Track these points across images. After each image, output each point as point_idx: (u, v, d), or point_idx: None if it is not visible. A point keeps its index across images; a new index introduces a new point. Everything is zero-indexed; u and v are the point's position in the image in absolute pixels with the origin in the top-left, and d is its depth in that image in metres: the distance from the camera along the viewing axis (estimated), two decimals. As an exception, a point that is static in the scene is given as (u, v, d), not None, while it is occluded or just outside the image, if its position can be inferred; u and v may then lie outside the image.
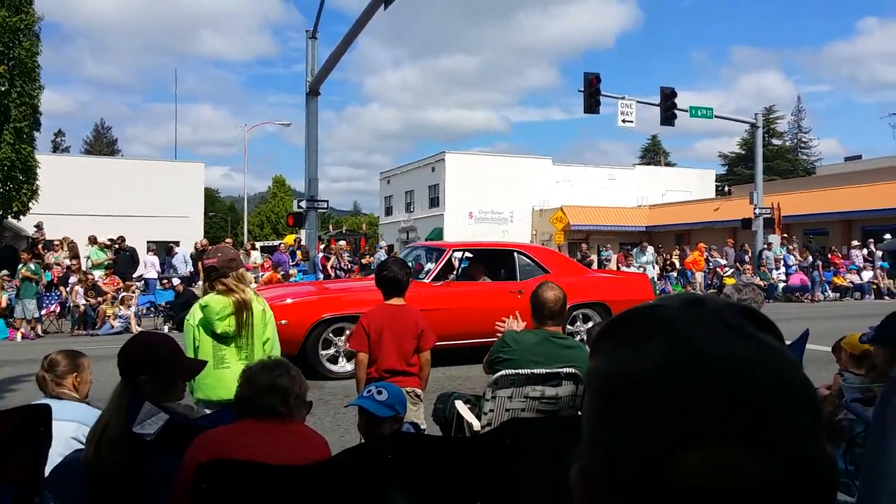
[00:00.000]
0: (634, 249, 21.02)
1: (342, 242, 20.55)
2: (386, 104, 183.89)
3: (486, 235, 33.86)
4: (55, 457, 2.95)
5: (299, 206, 17.57)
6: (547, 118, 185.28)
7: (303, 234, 19.24)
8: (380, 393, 2.96)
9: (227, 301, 3.59)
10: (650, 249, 21.14)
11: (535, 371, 3.66)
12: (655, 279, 19.02)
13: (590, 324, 9.88)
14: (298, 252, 18.67)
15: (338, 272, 17.39)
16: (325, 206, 18.67)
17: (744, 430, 0.45)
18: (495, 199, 38.14)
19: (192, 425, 2.88)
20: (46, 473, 2.86)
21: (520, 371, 3.67)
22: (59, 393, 3.31)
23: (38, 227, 17.39)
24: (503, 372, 3.66)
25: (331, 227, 40.24)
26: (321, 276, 16.38)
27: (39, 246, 16.49)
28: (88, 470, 2.70)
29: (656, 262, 21.08)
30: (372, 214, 65.69)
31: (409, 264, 5.78)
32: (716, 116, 22.33)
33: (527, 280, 9.29)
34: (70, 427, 3.05)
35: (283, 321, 7.39)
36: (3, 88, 16.35)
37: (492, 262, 10.12)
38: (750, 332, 0.50)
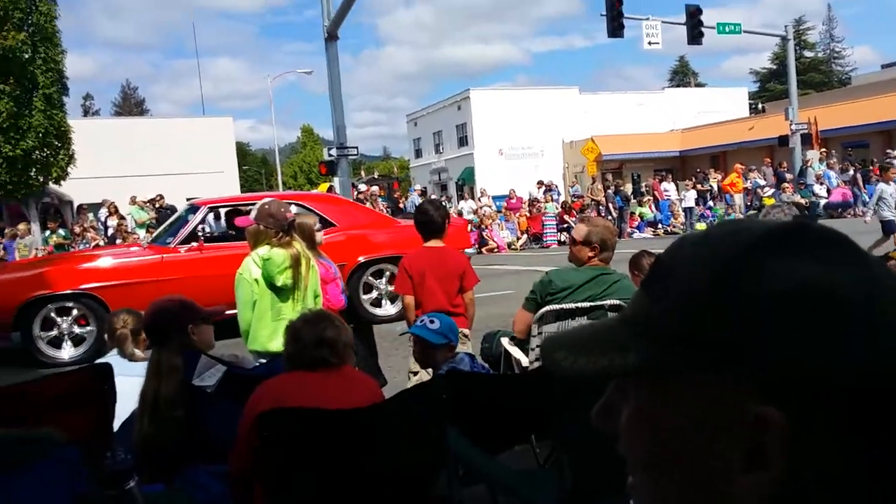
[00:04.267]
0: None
1: (375, 188, 20.57)
2: (402, 45, 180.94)
3: (518, 171, 33.57)
4: (126, 412, 3.07)
5: (330, 154, 17.59)
6: (568, 46, 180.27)
7: (336, 181, 19.29)
8: (432, 322, 3.17)
9: (287, 254, 3.70)
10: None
11: (580, 305, 3.67)
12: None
13: (385, 277, 8.47)
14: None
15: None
16: (356, 152, 18.65)
17: None
18: (524, 133, 37.56)
19: (250, 375, 2.97)
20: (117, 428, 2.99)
21: (563, 306, 3.68)
22: (131, 351, 3.44)
23: (49, 194, 17.85)
24: (547, 308, 3.67)
25: (362, 173, 40.25)
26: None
27: (52, 211, 17.00)
28: (143, 434, 2.76)
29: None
30: (402, 158, 65.41)
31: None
32: (744, 31, 21.55)
33: None
34: (140, 382, 3.17)
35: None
36: (27, 56, 16.48)
37: None
38: None
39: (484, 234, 19.07)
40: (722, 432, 0.49)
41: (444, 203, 4.66)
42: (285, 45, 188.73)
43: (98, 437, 2.96)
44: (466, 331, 4.22)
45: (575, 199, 21.80)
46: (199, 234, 8.12)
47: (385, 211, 18.23)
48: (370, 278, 8.54)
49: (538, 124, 37.32)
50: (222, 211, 9.26)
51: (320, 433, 2.38)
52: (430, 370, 4.29)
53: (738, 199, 20.47)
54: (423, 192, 24.50)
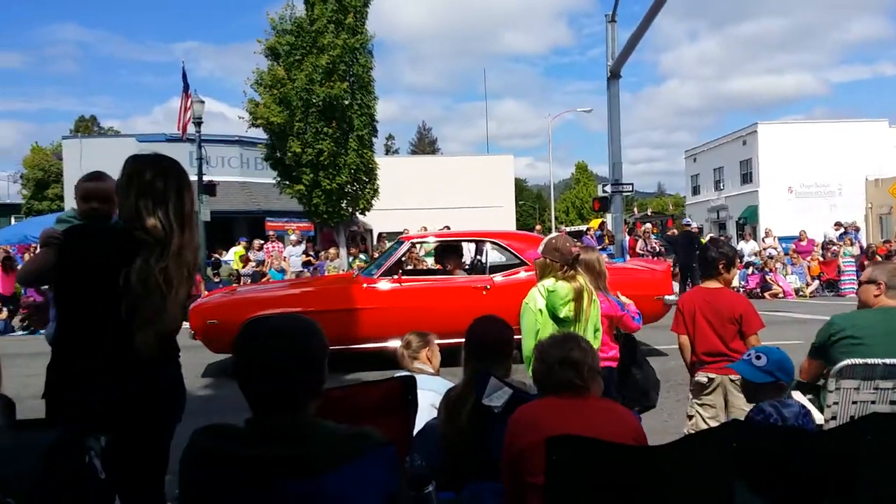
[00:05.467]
0: None
1: (648, 224, 20.14)
2: (685, 79, 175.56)
3: (810, 211, 30.74)
4: (418, 423, 3.40)
5: (604, 191, 17.65)
6: (876, 74, 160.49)
7: (608, 217, 19.26)
8: (759, 358, 2.91)
9: (570, 287, 3.87)
10: None
11: (888, 361, 3.31)
12: None
13: None
14: (605, 236, 18.77)
15: (645, 254, 17.16)
16: (630, 188, 18.49)
17: None
18: (819, 170, 34.30)
19: (532, 399, 3.15)
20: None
21: (868, 361, 3.35)
22: (414, 367, 3.82)
23: (356, 223, 20.14)
24: (848, 361, 3.38)
25: (635, 209, 39.63)
26: (628, 258, 16.29)
27: (358, 239, 19.13)
28: (444, 436, 3.04)
29: None
30: (677, 195, 63.24)
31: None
32: None
33: (498, 274, 8.31)
34: (430, 396, 3.49)
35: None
36: (346, 102, 18.74)
37: (463, 252, 8.93)
38: None
39: (768, 277, 17.66)
40: None
41: (728, 243, 4.55)
42: (566, 85, 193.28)
43: (400, 442, 3.33)
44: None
45: (876, 244, 19.26)
46: (401, 266, 8.80)
47: (658, 248, 17.77)
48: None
49: (836, 160, 33.90)
50: (426, 246, 10.07)
51: (601, 465, 2.42)
52: (711, 418, 4.18)
53: None
54: (700, 231, 23.38)
